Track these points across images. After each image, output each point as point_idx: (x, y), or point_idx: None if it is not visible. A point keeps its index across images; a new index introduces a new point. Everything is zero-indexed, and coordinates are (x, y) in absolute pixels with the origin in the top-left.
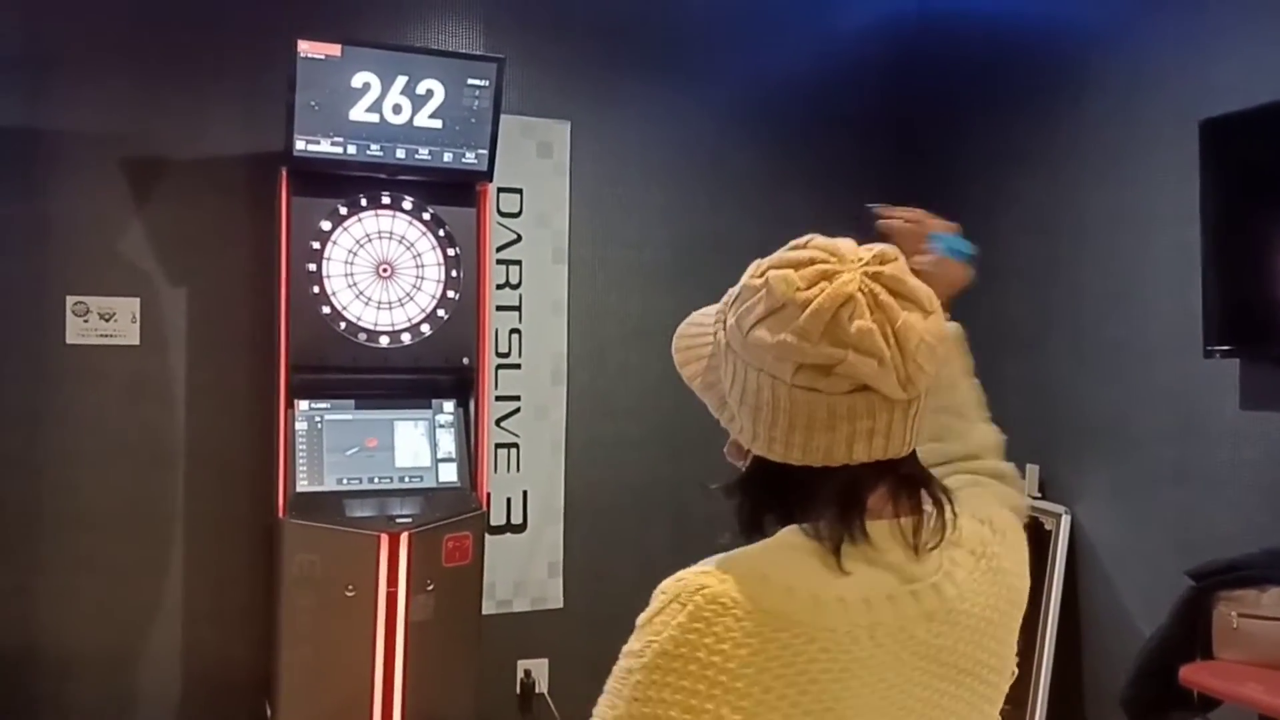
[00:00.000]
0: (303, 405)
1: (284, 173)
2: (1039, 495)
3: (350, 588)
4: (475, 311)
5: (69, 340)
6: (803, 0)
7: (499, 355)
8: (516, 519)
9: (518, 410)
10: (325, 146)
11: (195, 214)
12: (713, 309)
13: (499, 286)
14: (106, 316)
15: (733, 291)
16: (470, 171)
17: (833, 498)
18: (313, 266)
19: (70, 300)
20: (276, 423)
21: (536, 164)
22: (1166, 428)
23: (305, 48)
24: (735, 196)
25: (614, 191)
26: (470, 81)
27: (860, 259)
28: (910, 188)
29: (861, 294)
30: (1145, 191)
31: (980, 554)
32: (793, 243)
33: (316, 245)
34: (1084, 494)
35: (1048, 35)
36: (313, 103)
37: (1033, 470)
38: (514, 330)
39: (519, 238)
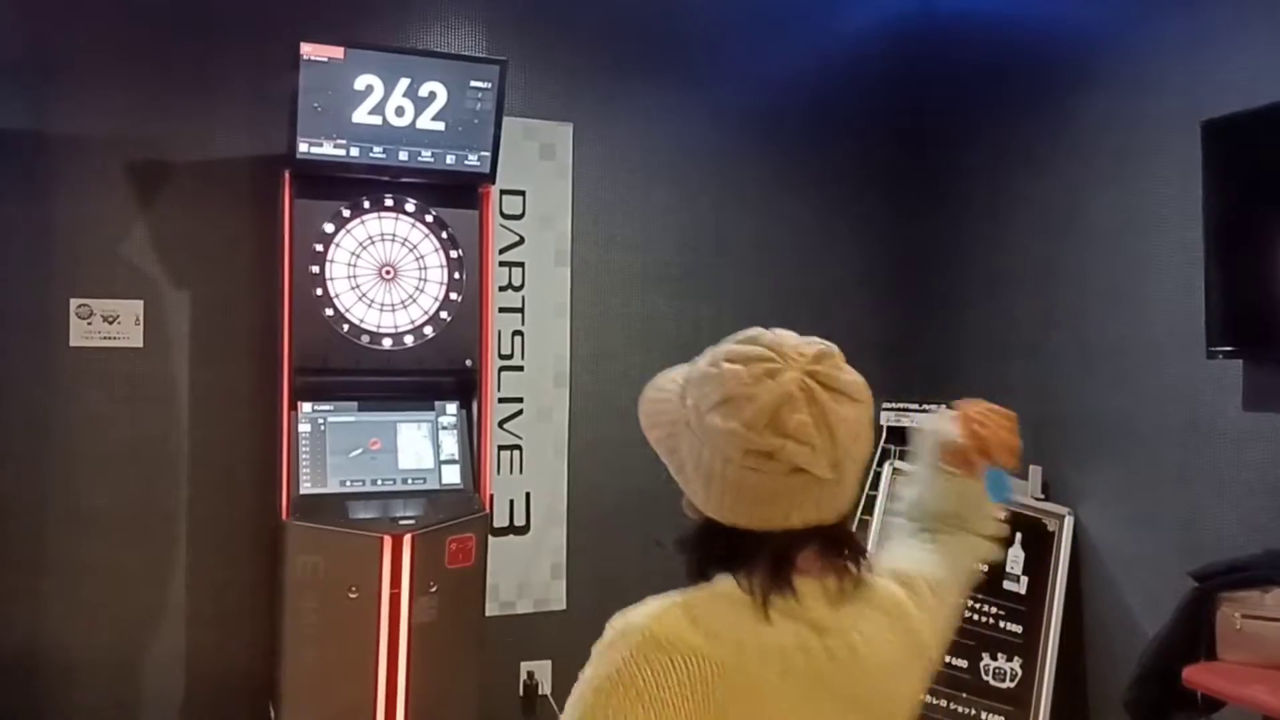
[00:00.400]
0: (306, 407)
1: (287, 175)
2: (1042, 496)
3: (353, 589)
4: (478, 313)
5: (72, 342)
6: (806, 2)
7: (502, 357)
8: (519, 521)
9: (520, 412)
10: (328, 149)
11: (199, 217)
12: (677, 374)
13: (501, 288)
14: (110, 319)
15: (691, 375)
16: (473, 174)
17: (768, 556)
18: (316, 269)
19: (74, 302)
20: (280, 425)
21: (539, 166)
22: (1170, 428)
23: (308, 50)
24: (738, 199)
25: (617, 194)
26: (473, 84)
27: (802, 355)
28: (913, 190)
29: (800, 390)
30: (1148, 192)
31: (893, 614)
32: (743, 334)
33: (320, 247)
34: (1087, 495)
35: (1051, 37)
36: (316, 105)
37: (1035, 471)
38: (517, 332)
39: (522, 240)
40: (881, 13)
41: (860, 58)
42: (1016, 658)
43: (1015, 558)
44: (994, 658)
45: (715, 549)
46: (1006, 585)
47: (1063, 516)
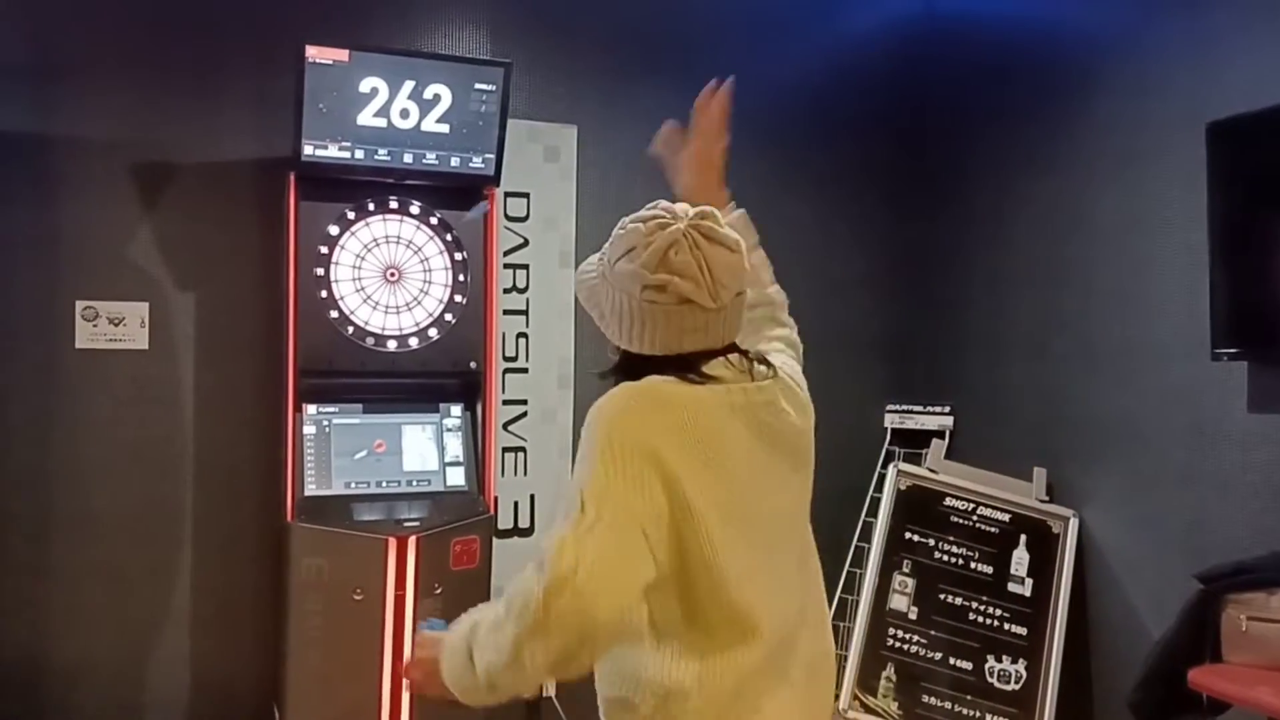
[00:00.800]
0: (311, 409)
1: (292, 178)
2: (1046, 498)
3: (358, 591)
4: (482, 316)
5: (78, 345)
6: (809, 5)
7: (506, 359)
8: (524, 522)
9: (525, 414)
10: (333, 151)
11: (204, 219)
12: (598, 255)
13: (506, 290)
14: (116, 321)
15: (610, 239)
16: (477, 176)
17: (674, 371)
18: (321, 271)
19: (80, 305)
20: (285, 427)
21: (543, 168)
22: (1175, 430)
23: (313, 53)
24: (741, 200)
25: (620, 195)
26: (477, 86)
27: (688, 214)
28: (916, 192)
29: (684, 238)
30: (1153, 194)
31: (791, 387)
32: (648, 205)
33: (324, 250)
34: (1092, 496)
35: (1055, 39)
36: (321, 107)
37: (1040, 473)
38: (521, 334)
39: (526, 242)
40: (883, 14)
41: (862, 59)
42: (1021, 660)
43: (1020, 560)
44: (999, 660)
45: (631, 374)
46: (1011, 587)
47: (1067, 518)
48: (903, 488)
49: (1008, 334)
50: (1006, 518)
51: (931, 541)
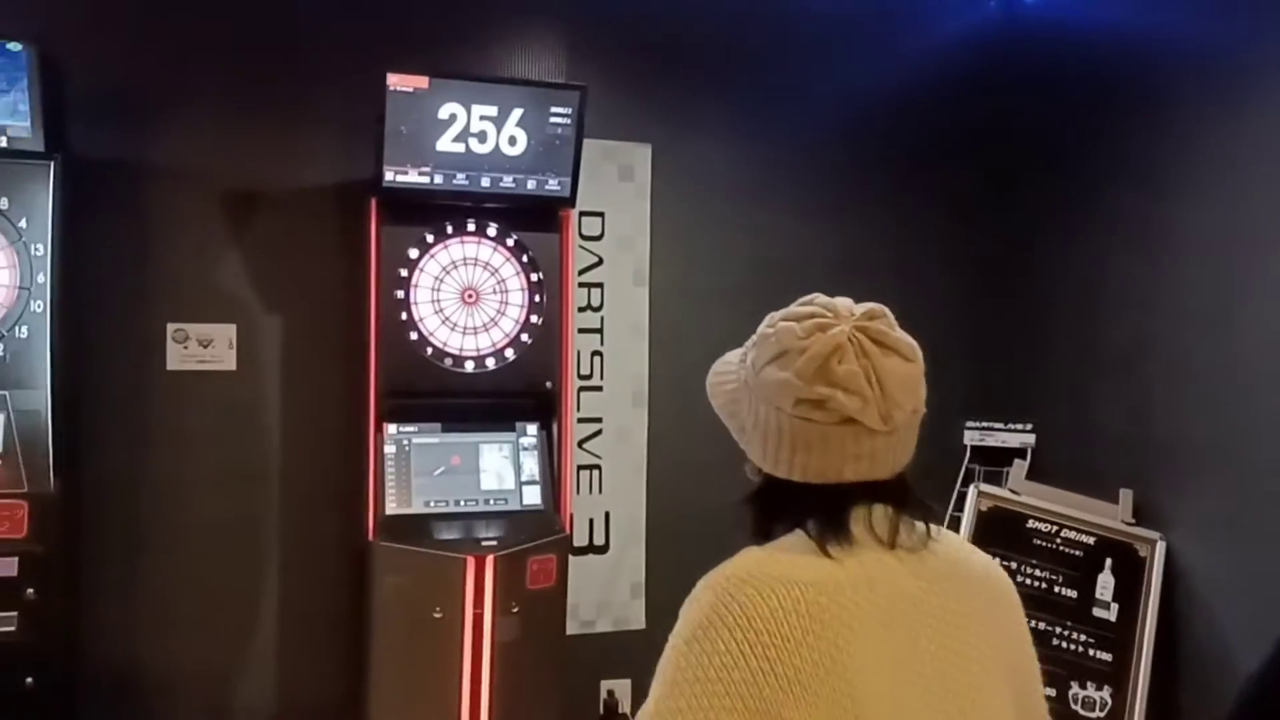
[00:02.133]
0: (391, 429)
1: (373, 202)
2: (1132, 521)
3: (438, 610)
4: (558, 336)
5: (169, 366)
6: (884, 18)
7: (581, 378)
8: (599, 540)
9: (600, 432)
10: (413, 176)
11: (289, 244)
12: (737, 352)
13: (580, 309)
14: (205, 343)
15: (753, 339)
16: (553, 198)
17: (823, 508)
18: (401, 293)
19: (171, 327)
20: (366, 446)
21: (618, 187)
22: (1271, 454)
23: (394, 81)
24: (817, 218)
25: (695, 213)
26: (553, 110)
27: (852, 314)
28: (997, 206)
29: (850, 343)
30: (1250, 208)
31: (979, 572)
32: (800, 299)
33: (404, 273)
34: (1181, 521)
35: (1145, 49)
36: (401, 131)
37: (1126, 495)
38: (595, 353)
39: (600, 261)
40: (963, 24)
41: (941, 70)
42: (1107, 687)
43: (1105, 584)
44: (1083, 687)
45: (775, 505)
46: (1096, 612)
47: (1154, 542)
48: (983, 509)
49: (1094, 352)
50: (1091, 541)
51: (1014, 564)
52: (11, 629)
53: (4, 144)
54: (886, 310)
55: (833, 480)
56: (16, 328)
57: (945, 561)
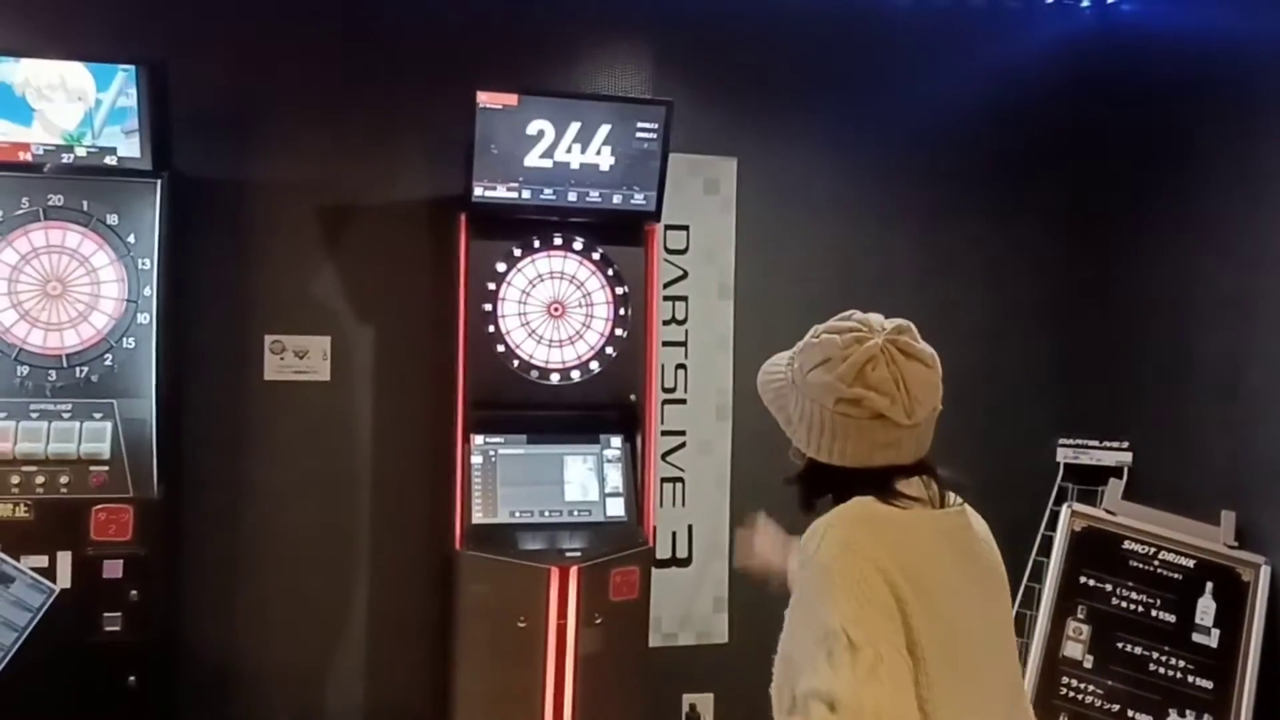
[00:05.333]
0: (478, 439)
1: (463, 217)
2: (1235, 544)
3: (522, 619)
4: (642, 350)
5: (266, 376)
6: (974, 28)
7: (664, 390)
8: (682, 553)
9: (683, 444)
10: (501, 192)
11: (381, 257)
12: (784, 356)
13: (665, 322)
14: (301, 354)
15: (799, 345)
16: (639, 213)
17: (865, 485)
18: (489, 306)
19: (268, 339)
20: (454, 456)
21: (703, 200)
22: None
23: (484, 99)
24: (904, 229)
25: (780, 225)
26: (640, 125)
27: (884, 328)
28: (1090, 214)
29: (882, 353)
30: None
31: (974, 512)
32: (840, 314)
33: (492, 286)
34: None
35: (1240, 50)
36: (492, 148)
37: (1228, 517)
38: (679, 365)
39: (685, 274)
40: (1056, 30)
41: (1032, 78)
42: (1206, 715)
43: (1206, 609)
44: (1181, 714)
45: (818, 483)
46: (1196, 638)
47: (1258, 566)
48: (1077, 529)
49: (1192, 366)
50: (1191, 564)
51: (1109, 586)
52: (117, 629)
53: (115, 162)
54: (911, 325)
55: (864, 464)
56: (124, 339)
57: (975, 521)
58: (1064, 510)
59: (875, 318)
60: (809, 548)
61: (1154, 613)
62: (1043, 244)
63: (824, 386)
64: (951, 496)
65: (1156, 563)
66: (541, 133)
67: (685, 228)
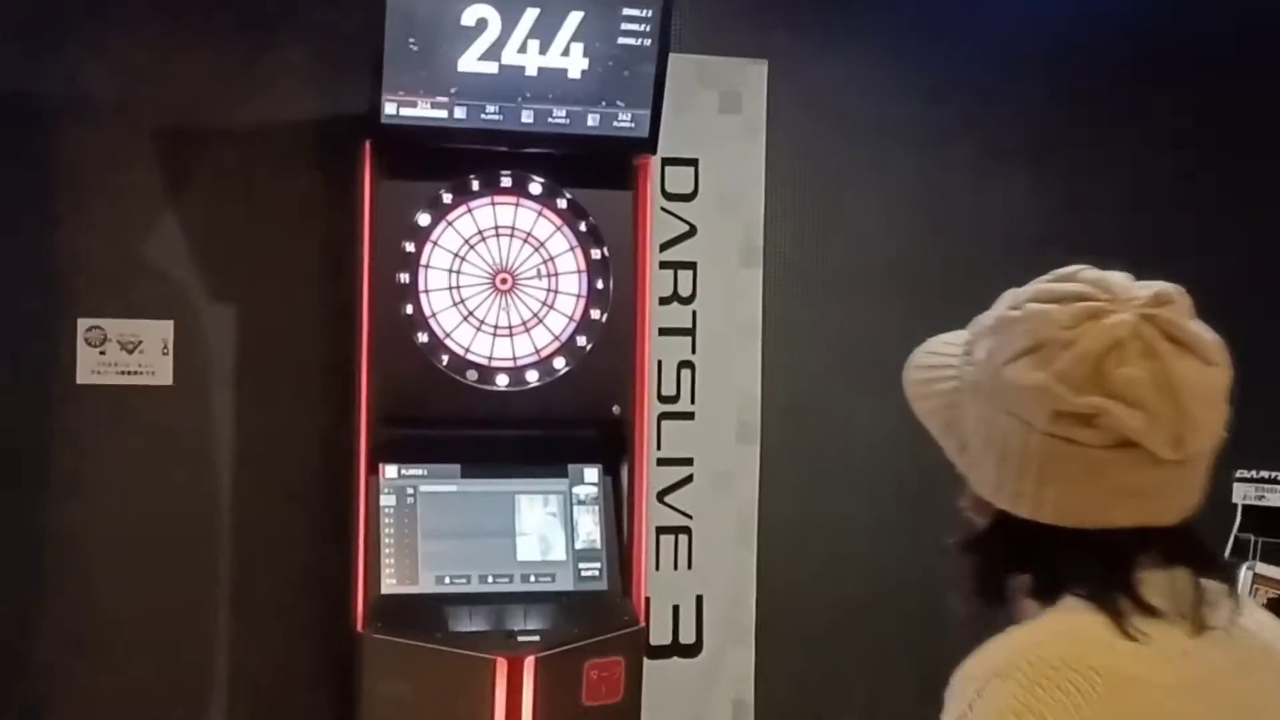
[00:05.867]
0: (390, 471)
1: (367, 146)
2: None
3: None
4: (630, 339)
5: (80, 379)
6: None
7: (663, 400)
8: (687, 637)
9: (690, 479)
10: (424, 109)
11: (245, 206)
12: (955, 336)
13: (664, 301)
14: (129, 346)
15: (983, 322)
16: (624, 139)
17: (1093, 563)
18: (405, 277)
19: (82, 324)
20: (354, 496)
21: (719, 123)
22: None
23: None
24: (1007, 170)
25: (832, 160)
26: (625, 13)
27: (1135, 298)
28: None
29: (1132, 338)
30: None
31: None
32: (1058, 272)
33: (410, 247)
34: None
35: None
36: (411, 44)
37: None
38: (684, 364)
39: (693, 230)
40: None
41: None
42: None
43: None
44: None
45: (1011, 555)
46: None
47: None
48: (1263, 603)
49: None
50: None
51: None
52: None
53: None
54: (1182, 293)
55: (1096, 524)
56: None
57: (1257, 645)
58: (1243, 573)
59: (1118, 279)
60: (958, 705)
61: None
62: (1211, 201)
63: (1033, 392)
64: (1219, 599)
65: None
66: (483, 22)
67: (693, 162)
